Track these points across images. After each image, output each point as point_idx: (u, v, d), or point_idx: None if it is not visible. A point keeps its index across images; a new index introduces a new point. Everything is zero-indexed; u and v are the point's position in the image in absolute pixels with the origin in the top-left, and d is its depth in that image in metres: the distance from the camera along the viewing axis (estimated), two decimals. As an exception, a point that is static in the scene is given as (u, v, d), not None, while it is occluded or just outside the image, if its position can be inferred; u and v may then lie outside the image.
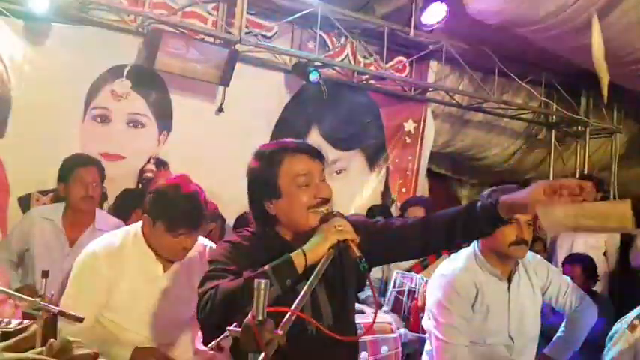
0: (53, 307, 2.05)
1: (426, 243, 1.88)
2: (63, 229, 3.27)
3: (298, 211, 1.77)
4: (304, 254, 1.62)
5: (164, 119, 4.58)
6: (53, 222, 3.27)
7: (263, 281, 1.34)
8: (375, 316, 1.55)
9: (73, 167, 3.28)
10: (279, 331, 1.34)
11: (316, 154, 1.82)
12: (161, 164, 4.55)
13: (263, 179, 1.82)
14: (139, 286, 2.32)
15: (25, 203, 4.04)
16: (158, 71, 4.33)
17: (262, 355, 1.27)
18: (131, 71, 4.39)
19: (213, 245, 2.47)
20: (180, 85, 4.54)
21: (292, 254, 1.63)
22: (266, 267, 1.61)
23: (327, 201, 1.77)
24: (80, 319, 2.04)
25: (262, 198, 1.83)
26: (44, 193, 4.09)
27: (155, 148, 4.56)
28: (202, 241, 2.48)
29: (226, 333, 1.39)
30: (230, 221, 4.73)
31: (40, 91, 4.07)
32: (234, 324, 1.57)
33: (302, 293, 1.47)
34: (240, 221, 4.41)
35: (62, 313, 2.02)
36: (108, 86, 4.34)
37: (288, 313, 1.40)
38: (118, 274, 2.30)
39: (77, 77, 4.25)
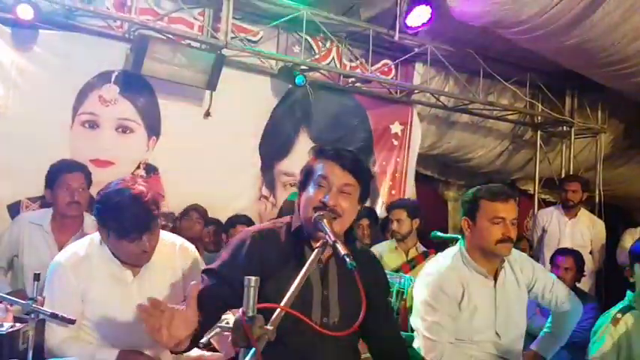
0: (45, 309, 2.06)
1: None
2: (51, 233, 3.26)
3: (305, 203, 1.90)
4: None
5: (153, 124, 4.59)
6: (42, 227, 3.26)
7: (253, 279, 1.37)
8: (363, 314, 1.57)
9: (58, 173, 3.27)
10: (269, 327, 1.37)
11: (350, 168, 1.89)
12: (151, 169, 4.56)
13: (304, 171, 1.97)
14: (110, 294, 2.28)
15: (14, 210, 4.04)
16: (145, 76, 4.35)
17: (253, 349, 1.30)
18: (119, 77, 4.41)
19: (187, 244, 2.45)
20: (167, 90, 4.56)
21: None
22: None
23: (326, 207, 1.84)
24: (72, 321, 2.05)
25: (299, 189, 1.99)
26: (33, 199, 4.09)
27: (144, 153, 4.57)
28: (173, 239, 2.43)
29: (217, 330, 1.42)
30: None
31: (27, 97, 4.08)
32: (225, 321, 1.61)
33: (291, 290, 1.51)
34: (231, 222, 4.45)
35: (54, 316, 2.03)
36: (96, 92, 4.35)
37: (278, 310, 1.43)
38: (87, 284, 2.27)
39: (65, 83, 4.26)
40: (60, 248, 3.23)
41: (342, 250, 1.67)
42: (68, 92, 4.28)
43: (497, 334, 2.56)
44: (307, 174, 1.95)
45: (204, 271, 1.93)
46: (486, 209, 2.49)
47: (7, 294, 2.86)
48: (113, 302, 2.27)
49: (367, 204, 5.45)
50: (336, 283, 1.93)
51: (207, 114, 4.76)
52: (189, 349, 1.65)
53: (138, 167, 4.55)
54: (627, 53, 4.79)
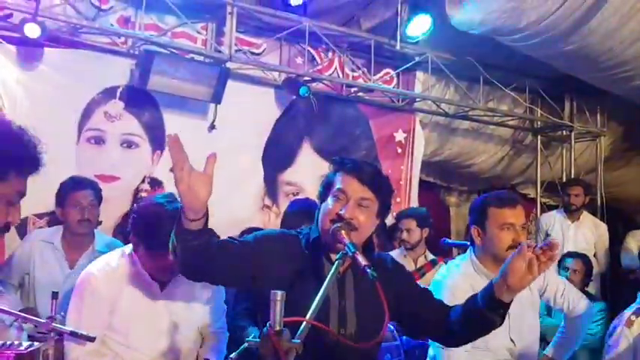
0: (65, 327, 2.08)
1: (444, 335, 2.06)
2: (63, 251, 3.29)
3: (323, 215, 1.93)
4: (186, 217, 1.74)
5: (157, 138, 4.62)
6: (53, 245, 3.29)
7: (279, 293, 1.40)
8: (386, 325, 1.60)
9: (68, 191, 3.30)
10: (297, 340, 1.39)
11: (368, 182, 1.92)
12: (156, 183, 4.57)
13: (325, 182, 2.00)
14: (139, 305, 2.33)
15: (22, 227, 4.04)
16: (150, 91, 4.38)
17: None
18: (123, 92, 4.43)
19: None
20: (172, 104, 4.59)
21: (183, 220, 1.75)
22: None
23: (342, 219, 1.87)
24: (92, 339, 2.07)
25: (319, 200, 2.02)
26: (40, 216, 4.10)
27: (149, 167, 4.59)
28: None
29: (245, 345, 1.44)
30: (222, 237, 4.75)
31: (33, 115, 4.08)
32: (252, 335, 1.64)
33: (315, 302, 1.54)
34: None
35: (74, 334, 2.05)
36: (101, 108, 4.37)
37: (304, 323, 1.45)
38: (117, 295, 2.32)
39: (70, 100, 4.28)
40: (71, 266, 3.28)
41: (362, 261, 1.70)
42: (74, 109, 4.30)
43: (511, 340, 2.58)
44: (326, 186, 1.98)
45: (233, 238, 1.97)
46: (495, 216, 2.52)
47: (20, 311, 2.89)
48: (140, 315, 2.32)
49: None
50: (353, 293, 1.94)
51: (212, 127, 4.79)
52: (201, 234, 1.72)
53: (143, 181, 4.56)
54: (625, 57, 4.85)
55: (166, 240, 2.12)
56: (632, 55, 4.80)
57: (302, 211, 3.20)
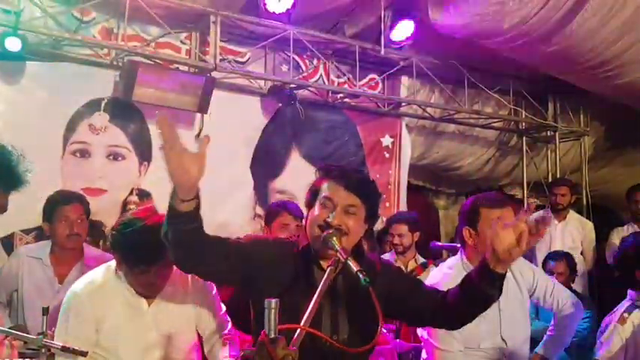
0: (56, 343, 2.05)
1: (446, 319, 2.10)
2: (51, 266, 3.24)
3: (311, 223, 1.94)
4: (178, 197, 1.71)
5: (144, 150, 4.59)
6: (41, 260, 3.24)
7: (273, 301, 1.39)
8: (380, 328, 1.60)
9: (56, 205, 3.26)
10: (293, 347, 1.38)
11: (355, 189, 1.92)
12: (144, 195, 4.54)
13: (311, 190, 2.01)
14: (126, 322, 2.30)
15: (7, 243, 3.99)
16: (135, 102, 4.35)
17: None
18: (108, 104, 4.40)
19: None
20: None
21: (170, 201, 1.73)
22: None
23: (330, 226, 1.88)
24: (84, 354, 2.04)
25: (307, 208, 2.04)
26: (27, 231, 4.05)
27: (137, 179, 4.56)
28: None
29: (242, 354, 1.43)
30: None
31: (17, 129, 4.04)
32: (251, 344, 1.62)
33: (309, 309, 1.53)
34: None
35: (65, 349, 2.02)
36: (86, 120, 4.34)
37: (299, 330, 1.45)
38: (103, 312, 2.28)
39: (54, 113, 4.25)
40: (60, 281, 3.23)
41: (354, 266, 1.70)
42: (58, 122, 4.27)
43: (503, 339, 2.59)
44: (313, 193, 1.99)
45: (227, 238, 1.96)
46: (487, 217, 2.54)
47: (10, 327, 2.85)
48: (128, 331, 2.28)
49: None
50: (344, 299, 1.94)
51: (199, 137, 4.77)
52: (193, 215, 1.69)
53: (131, 193, 4.53)
54: (606, 57, 4.91)
55: (147, 256, 2.15)
56: (612, 54, 4.86)
57: None
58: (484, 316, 2.53)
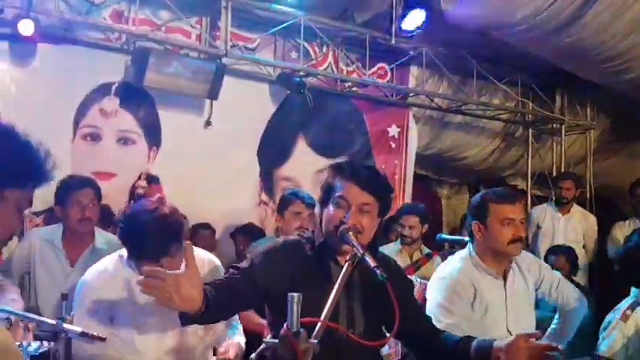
0: (75, 329, 2.09)
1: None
2: (63, 250, 3.27)
3: (327, 222, 1.96)
4: None
5: (153, 135, 4.61)
6: (53, 243, 3.26)
7: (296, 295, 1.43)
8: (398, 323, 1.63)
9: (68, 190, 3.27)
10: (314, 340, 1.42)
11: (368, 187, 1.93)
12: (152, 180, 4.57)
13: (324, 188, 2.01)
14: (139, 309, 2.33)
15: (18, 225, 4.02)
16: (146, 88, 4.36)
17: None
18: (119, 89, 4.42)
19: (214, 259, 2.52)
20: (167, 101, 4.59)
21: None
22: None
23: (342, 224, 1.89)
24: (102, 339, 2.08)
25: (320, 205, 2.03)
26: (37, 214, 4.08)
27: (145, 164, 4.59)
28: (201, 255, 2.47)
29: (264, 345, 1.47)
30: (219, 233, 4.78)
31: (28, 112, 4.06)
32: (269, 336, 1.67)
33: (328, 305, 1.57)
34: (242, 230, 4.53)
35: (84, 334, 2.06)
36: (96, 104, 4.36)
37: (319, 323, 1.49)
38: (117, 300, 2.32)
39: (65, 97, 4.27)
40: (72, 264, 3.27)
41: (371, 262, 1.73)
42: (69, 106, 4.29)
43: (509, 331, 2.63)
44: (327, 191, 1.99)
45: (233, 267, 1.97)
46: (496, 212, 2.57)
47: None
48: (141, 317, 2.31)
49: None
50: (360, 294, 1.98)
51: (208, 123, 4.79)
52: (203, 316, 1.70)
53: (139, 178, 4.56)
54: (617, 51, 4.92)
55: (154, 248, 2.17)
56: (623, 49, 4.87)
57: None
58: (491, 310, 2.60)
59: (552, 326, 3.04)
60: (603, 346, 2.71)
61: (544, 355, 1.87)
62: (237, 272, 1.92)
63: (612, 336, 2.68)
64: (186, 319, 1.71)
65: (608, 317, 2.78)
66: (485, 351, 1.94)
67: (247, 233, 4.52)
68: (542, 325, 3.07)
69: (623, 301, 2.79)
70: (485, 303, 2.60)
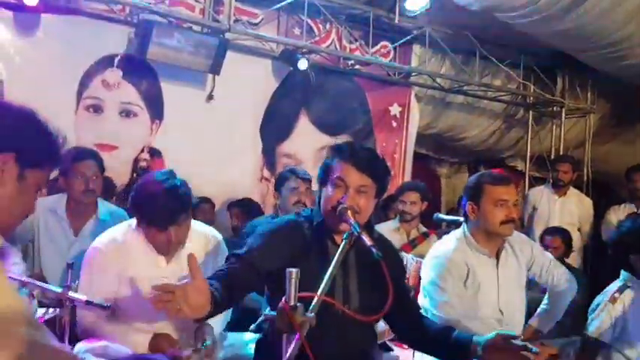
0: (80, 297, 2.16)
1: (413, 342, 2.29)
2: (67, 219, 3.33)
3: (325, 202, 2.03)
4: None
5: (156, 108, 4.64)
6: (57, 213, 3.32)
7: (294, 271, 1.49)
8: (390, 299, 1.70)
9: (72, 161, 3.31)
10: (310, 314, 1.49)
11: (366, 169, 1.99)
12: (155, 153, 4.62)
13: (322, 168, 2.07)
14: (145, 278, 2.39)
15: (22, 194, 4.08)
16: (148, 60, 4.38)
17: (298, 334, 1.42)
18: (121, 61, 4.44)
19: (217, 233, 2.59)
20: (170, 74, 4.60)
21: None
22: None
23: (341, 205, 1.95)
24: (107, 308, 2.16)
25: (319, 185, 2.09)
26: (41, 183, 4.12)
27: (148, 137, 4.63)
28: (205, 229, 2.57)
29: (262, 317, 1.54)
30: (219, 206, 4.84)
31: (31, 82, 4.09)
32: (269, 309, 1.74)
33: (324, 281, 1.64)
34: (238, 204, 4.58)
35: (89, 303, 2.14)
36: (99, 76, 4.38)
37: (316, 298, 1.55)
38: (125, 268, 2.40)
39: (68, 68, 4.29)
40: (75, 233, 3.33)
41: (367, 240, 1.79)
42: (72, 77, 4.31)
43: (500, 310, 2.71)
44: (325, 172, 2.05)
45: (233, 255, 2.01)
46: (490, 193, 2.63)
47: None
48: (146, 286, 2.38)
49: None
50: (355, 272, 2.05)
51: (210, 97, 4.81)
52: (212, 314, 1.75)
53: (142, 151, 4.61)
54: (617, 38, 4.93)
55: (165, 217, 2.26)
56: (622, 35, 4.87)
57: None
58: (483, 288, 2.67)
59: (542, 306, 3.11)
60: (592, 327, 2.80)
61: (521, 355, 1.95)
62: (236, 261, 1.96)
63: (600, 317, 2.77)
64: (197, 319, 1.76)
65: (597, 299, 2.86)
66: (464, 343, 2.02)
67: (243, 207, 4.57)
68: (532, 305, 3.15)
69: (612, 284, 2.87)
70: (477, 282, 2.67)
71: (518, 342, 2.03)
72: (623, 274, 2.85)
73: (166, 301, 1.58)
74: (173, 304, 1.58)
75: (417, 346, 2.33)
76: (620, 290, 2.79)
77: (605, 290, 2.87)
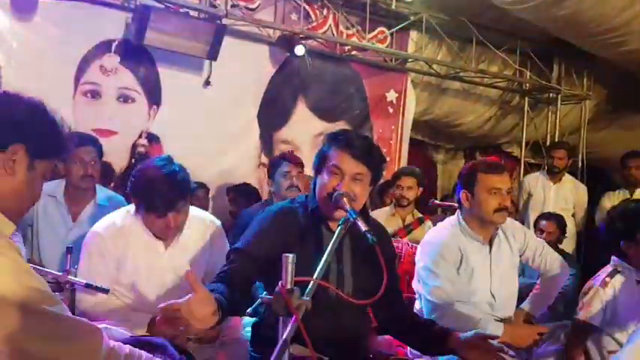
0: (80, 280, 2.20)
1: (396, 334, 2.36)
2: (65, 204, 3.36)
3: (320, 189, 2.06)
4: None
5: (153, 93, 4.65)
6: (55, 198, 3.35)
7: (291, 256, 1.52)
8: (385, 284, 1.74)
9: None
10: (306, 298, 1.53)
11: (362, 157, 2.02)
12: (153, 138, 4.63)
13: (318, 156, 2.10)
14: (144, 262, 2.44)
15: (20, 179, 4.10)
16: (145, 46, 4.38)
17: (294, 317, 1.46)
18: (119, 46, 4.43)
19: (214, 219, 2.62)
20: (167, 59, 4.60)
21: None
22: None
23: (337, 192, 1.98)
24: (106, 291, 2.20)
25: (314, 172, 2.13)
26: (39, 168, 4.14)
27: (146, 122, 4.64)
28: (203, 215, 2.61)
29: (259, 300, 1.57)
30: (216, 192, 4.87)
31: (29, 67, 4.10)
32: (265, 293, 1.77)
33: (320, 265, 1.67)
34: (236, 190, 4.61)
35: (89, 286, 2.18)
36: (97, 61, 4.38)
37: (312, 282, 1.59)
38: (123, 253, 2.43)
39: (66, 53, 4.28)
40: (74, 218, 3.36)
41: (363, 226, 1.83)
42: (69, 62, 4.31)
43: (492, 295, 2.76)
44: (321, 160, 2.09)
45: (232, 251, 2.06)
46: (484, 181, 2.67)
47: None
48: (145, 271, 2.43)
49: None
50: (349, 257, 2.10)
51: (207, 83, 4.82)
52: (222, 319, 1.78)
53: (140, 136, 4.62)
54: (614, 24, 4.94)
55: (164, 203, 2.29)
56: (620, 22, 4.88)
57: None
58: (476, 274, 2.72)
59: (534, 291, 3.16)
60: (583, 311, 2.85)
61: (497, 355, 2.03)
62: (236, 257, 2.00)
63: (591, 302, 2.81)
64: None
65: (588, 284, 2.91)
66: (444, 335, 2.10)
67: (241, 192, 4.60)
68: (524, 291, 3.21)
69: (603, 269, 2.91)
70: (470, 267, 2.72)
71: (495, 342, 2.11)
72: (613, 259, 2.90)
73: (173, 320, 1.61)
74: (180, 322, 1.61)
75: (397, 335, 2.39)
76: (611, 275, 2.83)
77: (595, 275, 2.92)
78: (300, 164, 3.67)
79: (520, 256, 2.93)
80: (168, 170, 2.31)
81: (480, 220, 2.73)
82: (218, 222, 2.62)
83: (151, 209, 2.34)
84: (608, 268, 2.89)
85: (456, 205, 2.95)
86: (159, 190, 2.28)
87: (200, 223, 2.54)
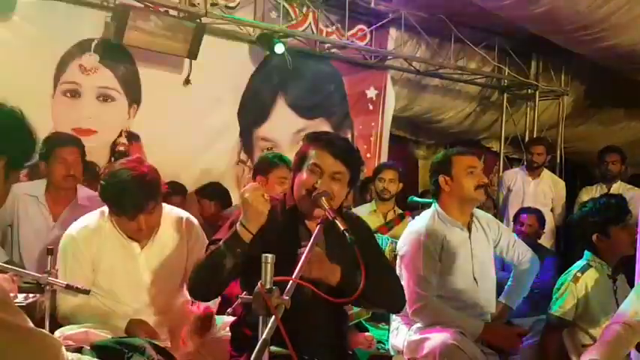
0: (60, 281, 2.21)
1: None
2: (46, 205, 3.36)
3: (299, 186, 2.09)
4: (244, 227, 1.95)
5: (133, 92, 4.63)
6: (36, 198, 3.35)
7: (270, 256, 1.56)
8: (363, 282, 1.78)
9: (53, 147, 3.32)
10: (285, 297, 1.56)
11: (341, 157, 2.07)
12: (132, 137, 4.62)
13: (298, 155, 2.14)
14: (120, 264, 2.45)
15: (0, 179, 4.07)
16: (126, 45, 4.37)
17: (273, 317, 1.49)
18: (98, 45, 4.40)
19: (192, 218, 2.63)
20: (147, 58, 4.58)
21: (238, 228, 1.95)
22: (221, 242, 1.96)
23: (315, 190, 2.03)
24: (87, 292, 2.21)
25: (293, 171, 2.17)
26: (19, 168, 4.11)
27: (126, 121, 4.62)
28: (179, 213, 2.61)
29: (239, 300, 1.60)
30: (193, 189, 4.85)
31: (8, 67, 4.05)
32: (244, 293, 1.80)
33: (300, 263, 1.70)
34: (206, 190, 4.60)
35: (69, 287, 2.19)
36: (76, 61, 4.34)
37: (290, 282, 1.62)
38: (99, 255, 2.44)
39: (45, 52, 4.24)
40: (55, 219, 3.36)
41: (341, 225, 1.87)
42: (49, 61, 4.26)
43: (475, 280, 2.83)
44: (301, 159, 2.12)
45: (211, 242, 2.08)
46: (460, 162, 2.83)
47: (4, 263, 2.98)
48: (122, 272, 2.44)
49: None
50: (327, 255, 2.09)
51: (187, 81, 4.81)
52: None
53: (120, 135, 4.60)
54: (592, 20, 5.00)
55: (133, 206, 2.31)
56: (597, 18, 4.95)
57: None
58: (458, 260, 2.79)
59: (509, 283, 3.25)
60: (556, 306, 2.93)
61: None
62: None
63: (564, 297, 2.90)
64: (240, 239, 1.93)
65: (561, 279, 2.99)
66: None
67: (212, 194, 4.55)
68: (502, 284, 3.29)
69: (575, 264, 2.99)
70: (452, 253, 2.81)
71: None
72: (586, 253, 2.97)
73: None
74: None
75: None
76: (583, 270, 2.91)
77: (568, 270, 3.00)
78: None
79: (495, 247, 3.01)
80: (136, 172, 2.32)
81: (460, 201, 2.84)
82: (195, 220, 2.63)
83: (121, 212, 2.35)
84: (581, 263, 2.96)
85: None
86: (127, 193, 2.29)
87: (176, 221, 2.55)
